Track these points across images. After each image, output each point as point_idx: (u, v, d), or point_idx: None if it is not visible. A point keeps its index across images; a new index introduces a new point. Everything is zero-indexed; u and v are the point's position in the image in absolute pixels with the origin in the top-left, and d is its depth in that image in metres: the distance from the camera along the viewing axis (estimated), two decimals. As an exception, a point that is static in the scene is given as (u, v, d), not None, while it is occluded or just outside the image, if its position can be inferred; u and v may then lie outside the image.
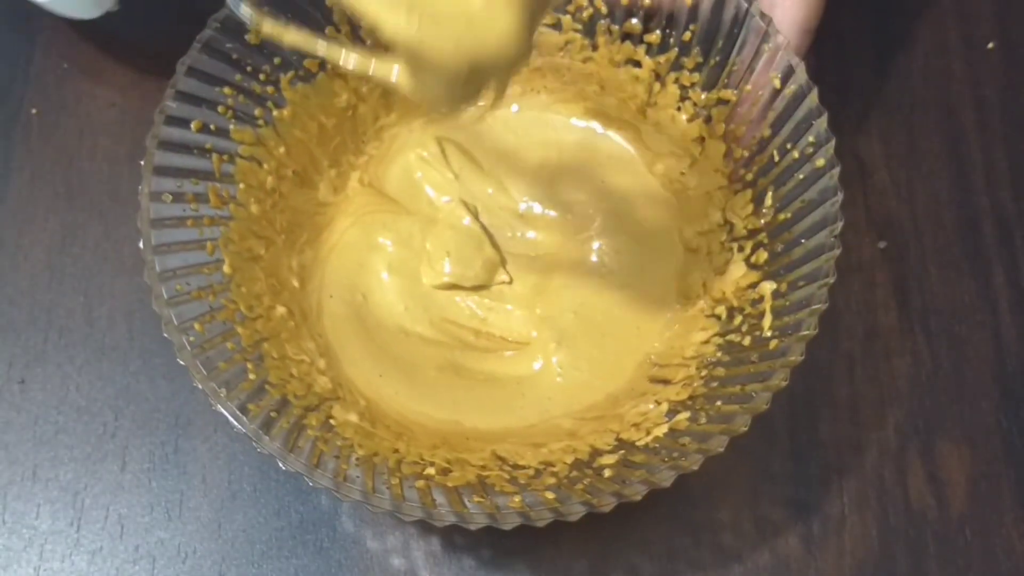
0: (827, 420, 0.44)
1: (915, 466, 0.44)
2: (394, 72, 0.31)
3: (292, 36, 0.32)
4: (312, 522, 0.43)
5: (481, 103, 0.32)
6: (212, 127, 0.41)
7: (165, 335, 0.37)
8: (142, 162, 0.39)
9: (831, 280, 0.37)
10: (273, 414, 0.36)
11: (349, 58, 0.32)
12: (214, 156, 0.41)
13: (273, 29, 0.32)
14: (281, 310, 0.42)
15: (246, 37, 0.42)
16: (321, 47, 0.33)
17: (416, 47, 0.29)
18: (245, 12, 0.33)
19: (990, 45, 0.52)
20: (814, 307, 0.36)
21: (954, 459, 0.44)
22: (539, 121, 0.49)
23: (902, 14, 0.53)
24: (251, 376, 0.38)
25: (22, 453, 0.44)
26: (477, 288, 0.46)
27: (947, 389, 0.45)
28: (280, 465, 0.35)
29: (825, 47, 0.52)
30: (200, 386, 0.36)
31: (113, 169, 0.50)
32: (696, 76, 0.44)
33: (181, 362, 0.36)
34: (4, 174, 0.50)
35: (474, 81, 0.31)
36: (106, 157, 0.50)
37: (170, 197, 0.39)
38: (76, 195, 0.50)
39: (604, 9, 0.44)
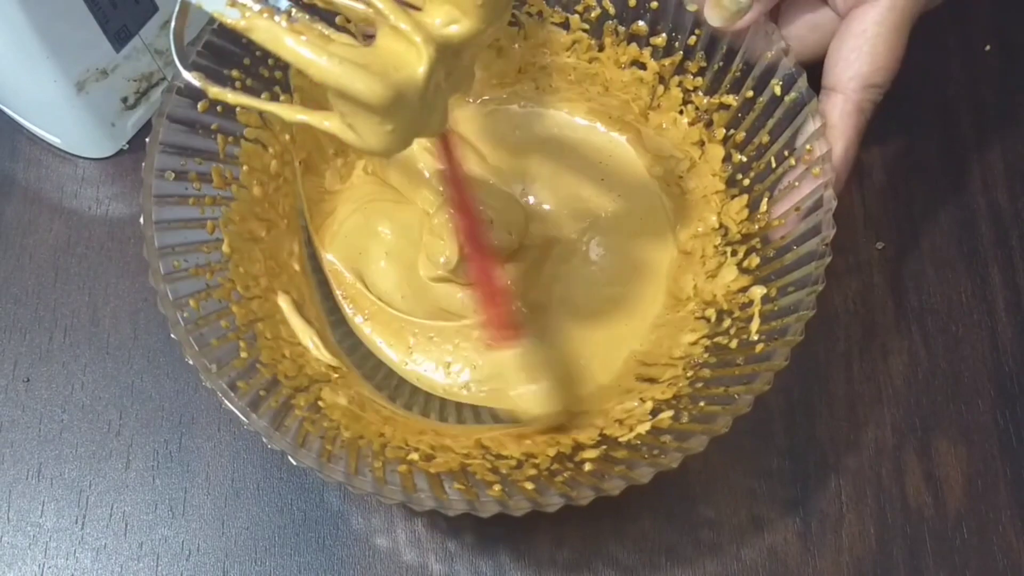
0: (824, 418, 0.45)
1: (912, 464, 0.44)
2: (328, 124, 0.33)
3: (234, 97, 0.34)
4: (315, 519, 0.43)
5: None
6: (219, 108, 0.41)
7: (160, 309, 0.37)
8: (147, 139, 0.39)
9: (820, 287, 0.37)
10: (262, 393, 0.37)
11: (290, 111, 0.34)
12: (219, 137, 0.41)
13: (218, 93, 0.34)
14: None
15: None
16: (264, 105, 0.34)
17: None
18: (194, 78, 0.34)
19: (987, 47, 0.53)
20: (801, 313, 0.37)
21: (951, 457, 0.44)
22: (543, 118, 0.49)
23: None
24: (243, 355, 0.38)
25: (27, 451, 0.45)
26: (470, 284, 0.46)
27: (944, 388, 0.45)
28: (266, 443, 0.35)
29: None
30: (191, 361, 0.36)
31: (117, 168, 0.50)
32: (699, 80, 0.44)
33: (174, 336, 0.37)
34: (9, 173, 0.50)
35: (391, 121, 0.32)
36: (111, 156, 0.51)
37: (173, 175, 0.40)
38: (81, 194, 0.50)
39: (612, 10, 0.45)
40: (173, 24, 0.34)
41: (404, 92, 0.31)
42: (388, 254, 0.47)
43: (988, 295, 0.47)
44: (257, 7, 0.31)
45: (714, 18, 0.41)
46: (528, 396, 0.42)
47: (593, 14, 0.45)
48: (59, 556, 0.43)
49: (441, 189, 0.47)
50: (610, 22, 0.45)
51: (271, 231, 0.43)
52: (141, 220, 0.38)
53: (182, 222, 0.40)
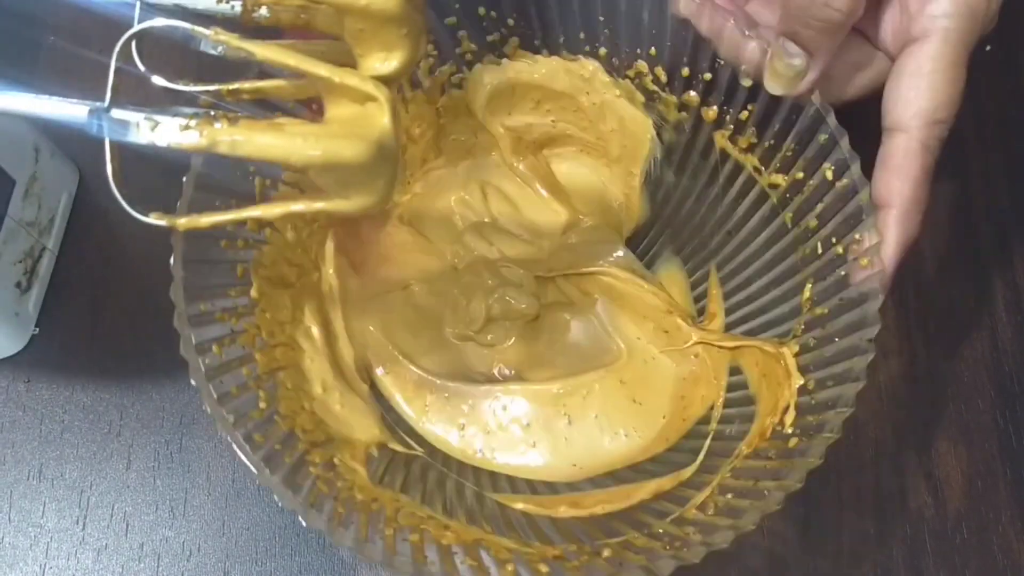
0: (825, 419, 0.45)
1: (912, 464, 0.44)
2: (320, 205, 0.32)
3: (208, 220, 0.32)
4: (315, 520, 0.43)
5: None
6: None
7: (182, 353, 0.35)
8: (184, 178, 0.38)
9: (861, 384, 0.34)
10: (277, 447, 0.35)
11: (275, 209, 0.32)
12: (257, 180, 0.40)
13: (189, 222, 0.32)
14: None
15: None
16: (245, 213, 0.32)
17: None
18: (155, 219, 0.31)
19: (988, 47, 0.52)
20: (840, 410, 0.34)
21: (951, 458, 0.44)
22: (588, 179, 0.49)
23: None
24: (262, 405, 0.36)
25: (28, 452, 0.45)
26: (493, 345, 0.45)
27: (944, 388, 0.45)
28: (278, 501, 0.34)
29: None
30: (209, 411, 0.35)
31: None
32: (749, 156, 0.42)
33: (194, 383, 0.35)
34: (10, 175, 0.50)
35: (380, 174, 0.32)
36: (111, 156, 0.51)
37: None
38: (81, 195, 0.50)
39: (664, 78, 0.43)
40: (109, 169, 0.30)
41: (384, 141, 0.30)
42: (415, 307, 0.46)
43: (988, 295, 0.47)
44: (200, 117, 0.29)
45: (773, 87, 0.39)
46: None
47: (646, 79, 0.44)
48: (60, 557, 0.43)
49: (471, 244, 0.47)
50: (662, 91, 0.44)
51: (301, 278, 0.42)
52: (171, 261, 0.36)
53: (211, 263, 0.38)
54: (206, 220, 0.32)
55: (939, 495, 0.43)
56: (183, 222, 0.31)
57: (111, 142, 0.29)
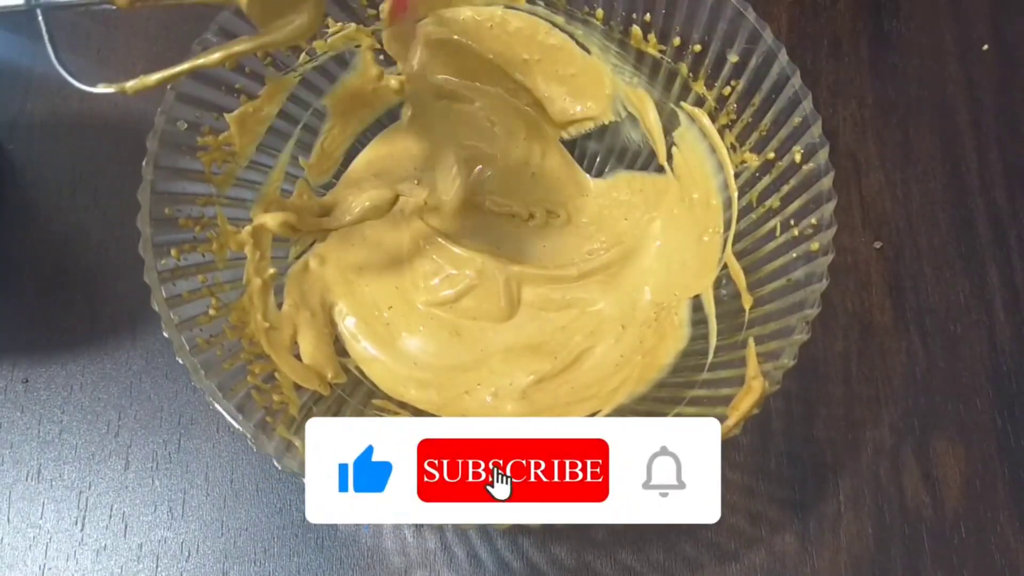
0: (822, 418, 0.45)
1: (910, 464, 0.44)
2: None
3: (156, 76, 0.33)
4: (313, 520, 0.43)
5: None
6: (247, 69, 0.41)
7: (140, 252, 0.37)
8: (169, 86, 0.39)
9: (789, 364, 0.35)
10: (219, 353, 0.36)
11: (214, 56, 0.34)
12: (243, 97, 0.41)
13: (139, 82, 0.33)
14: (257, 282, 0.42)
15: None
16: (194, 62, 0.34)
17: None
18: (103, 88, 0.33)
19: (985, 47, 0.53)
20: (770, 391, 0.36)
21: (949, 457, 0.44)
22: None
23: (897, 16, 0.53)
24: (211, 312, 0.38)
25: (26, 452, 0.45)
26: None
27: (942, 388, 0.45)
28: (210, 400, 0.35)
29: (821, 48, 0.52)
30: (156, 308, 0.36)
31: (115, 169, 0.50)
32: (727, 133, 0.42)
33: (146, 281, 0.36)
34: (9, 175, 0.50)
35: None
36: (109, 157, 0.51)
37: (184, 124, 0.39)
38: (79, 195, 0.50)
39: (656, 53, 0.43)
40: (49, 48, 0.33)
41: None
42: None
43: (986, 295, 0.47)
44: None
45: None
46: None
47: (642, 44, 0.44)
48: (59, 557, 0.43)
49: None
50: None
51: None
52: (143, 164, 0.38)
53: (183, 171, 0.39)
54: (154, 78, 0.33)
55: (937, 495, 0.43)
56: (131, 84, 0.33)
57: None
